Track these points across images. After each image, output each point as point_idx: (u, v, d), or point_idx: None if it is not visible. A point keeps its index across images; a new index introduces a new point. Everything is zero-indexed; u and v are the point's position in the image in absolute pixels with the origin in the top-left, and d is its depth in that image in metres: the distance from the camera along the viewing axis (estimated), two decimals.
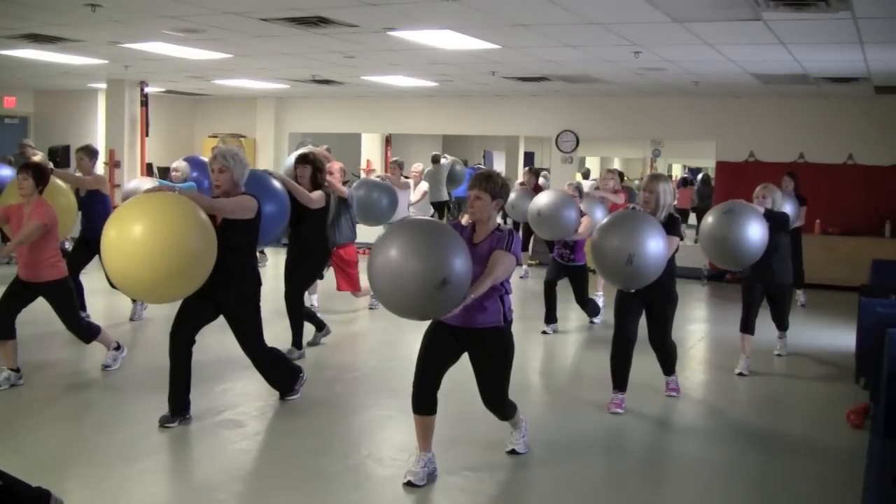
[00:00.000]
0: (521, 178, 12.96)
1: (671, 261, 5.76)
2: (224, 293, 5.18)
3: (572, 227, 8.01)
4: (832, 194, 12.17)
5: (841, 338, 8.40)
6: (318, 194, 6.80)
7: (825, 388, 6.89)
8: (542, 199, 8.23)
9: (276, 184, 6.58)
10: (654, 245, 5.28)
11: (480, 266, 4.17)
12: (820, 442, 5.46)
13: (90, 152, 7.98)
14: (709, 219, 6.54)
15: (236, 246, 5.10)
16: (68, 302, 6.09)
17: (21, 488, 3.50)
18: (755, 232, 6.32)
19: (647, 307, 5.81)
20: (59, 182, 7.43)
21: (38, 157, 11.56)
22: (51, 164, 9.73)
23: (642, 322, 5.85)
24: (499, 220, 4.44)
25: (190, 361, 5.23)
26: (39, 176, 5.89)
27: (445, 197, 14.95)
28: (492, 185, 4.30)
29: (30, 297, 5.98)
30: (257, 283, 5.36)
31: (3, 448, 4.79)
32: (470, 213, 4.34)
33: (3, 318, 5.87)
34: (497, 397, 4.52)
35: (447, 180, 15.17)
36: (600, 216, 8.26)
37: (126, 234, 4.56)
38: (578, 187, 8.76)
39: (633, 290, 5.62)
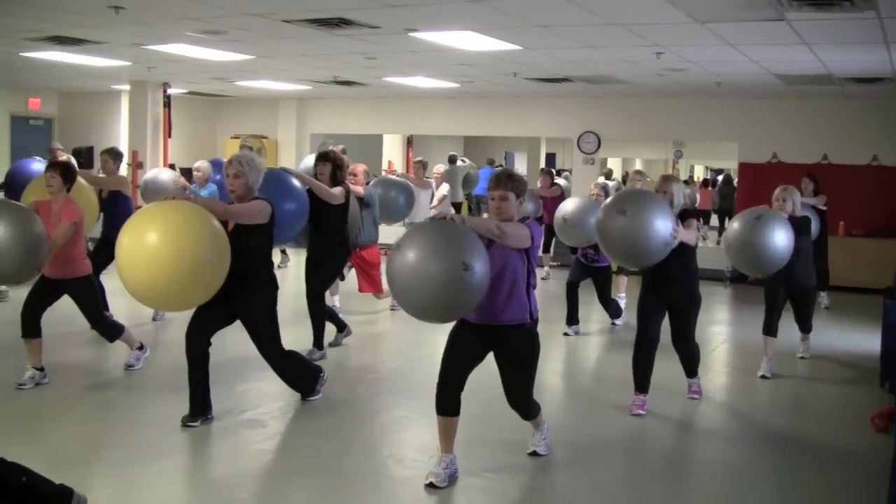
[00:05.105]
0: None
1: (693, 262, 5.74)
2: (240, 300, 5.18)
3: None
4: (856, 196, 12.06)
5: (865, 340, 8.32)
6: (338, 189, 6.82)
7: (849, 391, 6.83)
8: (568, 206, 8.12)
9: (295, 182, 6.65)
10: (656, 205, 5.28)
11: (501, 263, 4.19)
12: (843, 446, 5.40)
13: (115, 154, 8.05)
14: (735, 225, 6.48)
15: (250, 252, 5.10)
16: (93, 299, 6.15)
17: (44, 486, 3.53)
18: (781, 239, 6.25)
19: (670, 309, 5.78)
20: (81, 180, 7.47)
21: (65, 158, 11.66)
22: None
23: (665, 325, 5.82)
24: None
25: (208, 363, 5.23)
26: (67, 174, 5.99)
27: (461, 198, 14.98)
28: (516, 184, 4.30)
29: (55, 296, 6.03)
30: (274, 287, 5.33)
31: (28, 445, 4.83)
32: (495, 212, 4.30)
33: (29, 317, 5.92)
34: (521, 396, 4.51)
35: (462, 183, 15.20)
36: None
37: (138, 242, 4.59)
38: (605, 188, 8.69)
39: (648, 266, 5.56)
